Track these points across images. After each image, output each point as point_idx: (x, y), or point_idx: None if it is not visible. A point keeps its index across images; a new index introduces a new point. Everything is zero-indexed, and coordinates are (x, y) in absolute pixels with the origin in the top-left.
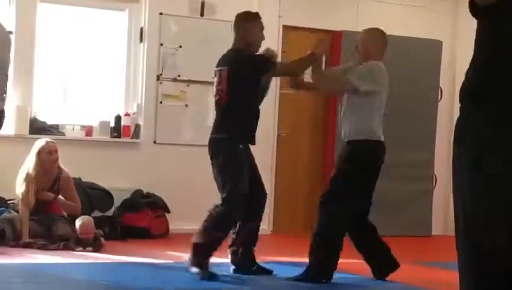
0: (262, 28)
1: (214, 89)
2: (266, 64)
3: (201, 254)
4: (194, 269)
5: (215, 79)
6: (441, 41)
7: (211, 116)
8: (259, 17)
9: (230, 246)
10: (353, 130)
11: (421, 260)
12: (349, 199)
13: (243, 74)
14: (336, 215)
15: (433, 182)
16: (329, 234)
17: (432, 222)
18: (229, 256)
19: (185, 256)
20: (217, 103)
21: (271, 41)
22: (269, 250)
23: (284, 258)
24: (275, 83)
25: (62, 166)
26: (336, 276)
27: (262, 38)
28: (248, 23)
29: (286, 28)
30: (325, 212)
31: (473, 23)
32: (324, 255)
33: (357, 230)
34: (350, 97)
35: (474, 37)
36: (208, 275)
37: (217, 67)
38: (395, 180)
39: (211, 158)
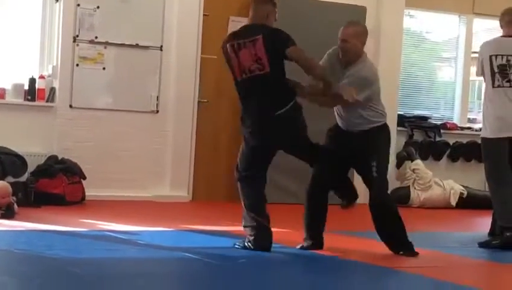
0: None
1: (239, 61)
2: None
3: None
4: None
5: (241, 53)
6: (365, 7)
7: (129, 80)
8: None
9: None
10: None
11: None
12: None
13: (279, 42)
14: None
15: None
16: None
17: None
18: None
19: (100, 223)
20: (256, 75)
21: (192, 4)
22: (188, 218)
23: (203, 226)
24: (195, 47)
25: None
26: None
27: None
28: (275, 8)
29: None
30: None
31: None
32: None
33: None
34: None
35: (397, 3)
36: None
37: (239, 39)
38: None
39: (281, 139)
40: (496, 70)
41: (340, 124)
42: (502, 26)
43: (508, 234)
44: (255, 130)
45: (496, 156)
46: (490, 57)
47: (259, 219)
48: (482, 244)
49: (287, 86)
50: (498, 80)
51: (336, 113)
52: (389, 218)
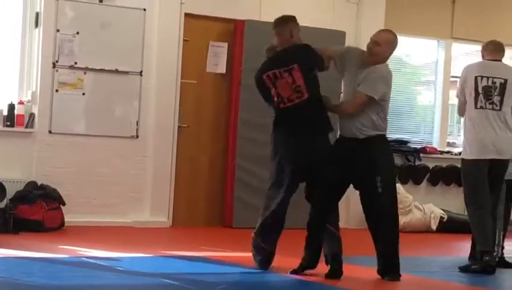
0: None
1: (277, 91)
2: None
3: None
4: None
5: (278, 83)
6: (344, 32)
7: (109, 105)
8: None
9: None
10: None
11: None
12: None
13: (314, 66)
14: None
15: None
16: None
17: None
18: None
19: (80, 250)
20: (297, 104)
21: (172, 29)
22: (168, 243)
23: (183, 252)
24: (175, 72)
25: None
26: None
27: None
28: (295, 21)
29: (188, 16)
30: None
31: (376, 12)
32: None
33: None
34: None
35: (376, 28)
36: None
37: (274, 68)
38: None
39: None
40: (480, 91)
41: (344, 130)
42: (484, 56)
43: (487, 258)
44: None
45: (475, 178)
46: (476, 78)
47: None
48: (462, 269)
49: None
50: (481, 102)
51: (341, 119)
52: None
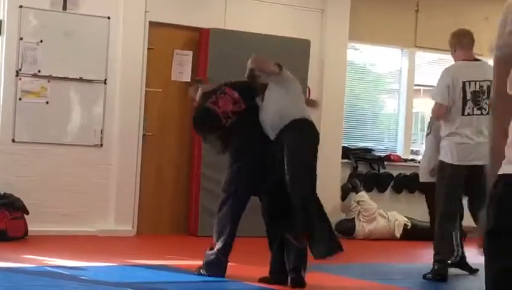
0: None
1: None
2: None
3: None
4: None
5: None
6: (309, 40)
7: (73, 113)
8: None
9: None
10: None
11: None
12: None
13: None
14: None
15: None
16: None
17: None
18: None
19: (44, 259)
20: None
21: (137, 37)
22: (133, 252)
23: (148, 261)
24: (140, 80)
25: None
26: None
27: None
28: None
29: (153, 24)
30: None
31: (340, 21)
32: None
33: None
34: None
35: (341, 36)
36: None
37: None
38: None
39: None
40: (468, 97)
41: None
42: (456, 50)
43: (436, 266)
44: None
45: (451, 182)
46: (464, 83)
47: None
48: (425, 276)
49: None
50: (469, 108)
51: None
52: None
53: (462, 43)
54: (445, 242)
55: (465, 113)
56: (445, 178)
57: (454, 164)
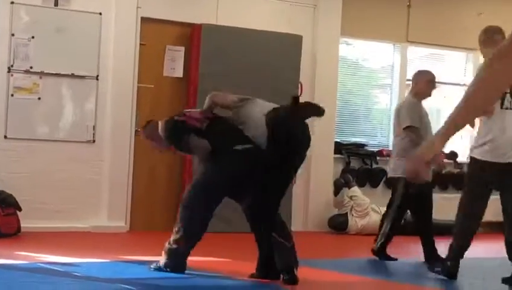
0: None
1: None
2: None
3: None
4: None
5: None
6: (301, 36)
7: (65, 109)
8: None
9: None
10: None
11: None
12: None
13: None
14: None
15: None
16: None
17: (291, 218)
18: None
19: (36, 255)
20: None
21: (128, 33)
22: (126, 248)
23: (141, 257)
24: (132, 76)
25: None
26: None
27: None
28: None
29: (144, 20)
30: None
31: (332, 16)
32: None
33: None
34: None
35: (333, 32)
36: None
37: None
38: None
39: None
40: (507, 90)
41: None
42: (486, 47)
43: (449, 263)
44: None
45: (478, 179)
46: None
47: None
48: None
49: None
50: (508, 101)
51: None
52: None
53: (494, 39)
54: (467, 240)
55: (504, 107)
56: (473, 177)
57: (483, 159)
